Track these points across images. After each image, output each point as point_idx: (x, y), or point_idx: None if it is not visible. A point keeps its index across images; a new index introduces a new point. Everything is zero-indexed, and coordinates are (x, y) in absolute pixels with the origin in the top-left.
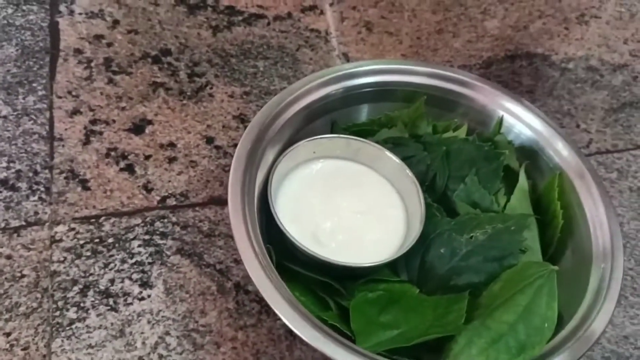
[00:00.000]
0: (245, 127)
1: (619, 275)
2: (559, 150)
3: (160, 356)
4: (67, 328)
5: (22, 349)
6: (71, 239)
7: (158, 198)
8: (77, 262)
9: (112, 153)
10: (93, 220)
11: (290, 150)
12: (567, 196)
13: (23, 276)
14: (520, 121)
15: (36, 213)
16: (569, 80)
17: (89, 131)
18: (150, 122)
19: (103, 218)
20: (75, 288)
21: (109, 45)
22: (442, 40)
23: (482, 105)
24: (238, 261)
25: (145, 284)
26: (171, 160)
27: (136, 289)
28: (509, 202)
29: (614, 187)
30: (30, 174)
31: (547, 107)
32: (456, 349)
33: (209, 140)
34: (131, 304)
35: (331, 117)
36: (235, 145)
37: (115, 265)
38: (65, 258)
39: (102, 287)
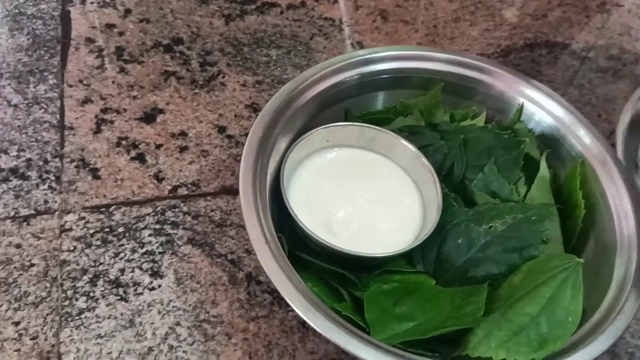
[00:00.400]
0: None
1: None
2: (581, 138)
3: (171, 347)
4: (77, 318)
5: (30, 339)
6: (81, 228)
7: (169, 187)
8: (87, 251)
9: (123, 142)
10: (103, 209)
11: (303, 139)
12: (590, 185)
13: (32, 265)
14: (541, 108)
15: (46, 202)
16: (589, 69)
17: (99, 120)
18: (161, 111)
19: (113, 207)
20: (85, 277)
21: (121, 34)
22: (459, 28)
23: (500, 92)
24: (250, 251)
25: (155, 274)
26: (182, 149)
27: (146, 279)
28: (530, 191)
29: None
30: (41, 163)
31: (567, 97)
32: (474, 341)
33: (221, 129)
34: (141, 293)
35: (345, 105)
36: (247, 135)
37: (126, 254)
38: (75, 247)
39: (112, 277)
